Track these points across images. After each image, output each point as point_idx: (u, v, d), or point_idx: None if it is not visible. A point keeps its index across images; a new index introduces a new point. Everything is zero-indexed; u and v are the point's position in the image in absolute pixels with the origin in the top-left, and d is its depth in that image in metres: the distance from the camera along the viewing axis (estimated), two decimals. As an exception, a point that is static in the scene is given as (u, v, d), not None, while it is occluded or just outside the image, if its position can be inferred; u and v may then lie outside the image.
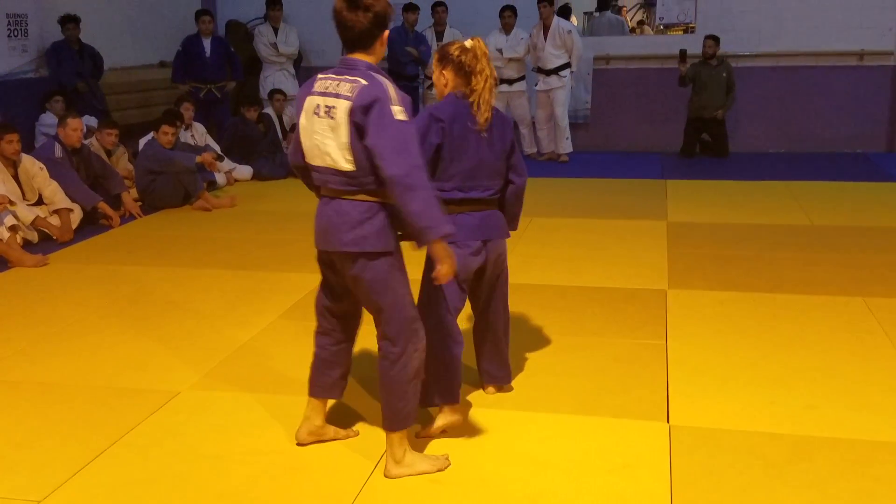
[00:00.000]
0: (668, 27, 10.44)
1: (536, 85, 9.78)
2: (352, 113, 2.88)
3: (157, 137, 7.58)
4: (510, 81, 9.77)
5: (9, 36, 8.39)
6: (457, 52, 3.40)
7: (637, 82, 10.53)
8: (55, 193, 6.61)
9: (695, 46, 9.89)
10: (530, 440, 3.37)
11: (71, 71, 8.73)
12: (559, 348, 4.30)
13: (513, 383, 3.87)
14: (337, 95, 2.93)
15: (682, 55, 9.74)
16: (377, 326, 3.17)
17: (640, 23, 10.42)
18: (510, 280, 3.82)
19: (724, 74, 9.79)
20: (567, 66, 9.65)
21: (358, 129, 2.89)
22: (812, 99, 10.14)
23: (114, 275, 5.70)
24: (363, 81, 2.90)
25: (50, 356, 4.32)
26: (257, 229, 6.88)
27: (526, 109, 10.00)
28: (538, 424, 3.50)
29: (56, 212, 6.61)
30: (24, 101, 8.42)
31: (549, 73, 9.66)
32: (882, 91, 9.99)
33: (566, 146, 9.87)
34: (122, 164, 7.95)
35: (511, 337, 4.44)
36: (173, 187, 7.53)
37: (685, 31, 10.35)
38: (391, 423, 3.12)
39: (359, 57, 2.99)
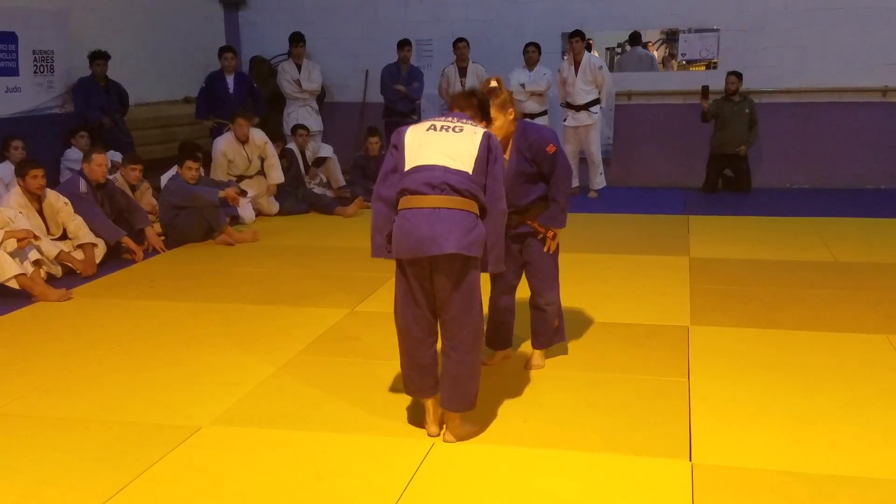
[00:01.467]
0: (690, 63, 10.47)
1: (565, 120, 9.80)
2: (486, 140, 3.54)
3: (181, 172, 7.66)
4: (532, 116, 9.80)
5: (35, 72, 8.53)
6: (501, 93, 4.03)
7: (659, 118, 10.55)
8: (79, 228, 6.68)
9: (717, 82, 9.90)
10: (553, 478, 3.34)
11: (97, 107, 8.86)
12: (582, 384, 4.27)
13: (535, 421, 3.85)
14: (462, 121, 3.61)
15: (705, 91, 9.75)
16: (451, 326, 3.60)
17: (665, 58, 10.46)
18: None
19: (747, 110, 9.79)
20: (597, 101, 9.68)
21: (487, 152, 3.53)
22: (835, 135, 10.10)
23: (137, 309, 5.74)
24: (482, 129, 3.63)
25: (72, 391, 4.34)
26: (279, 264, 6.91)
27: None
28: (561, 462, 3.47)
29: (80, 246, 6.68)
30: (50, 136, 8.56)
31: (578, 108, 9.69)
32: (906, 127, 9.94)
33: (600, 182, 9.89)
34: (146, 198, 8.03)
35: (532, 372, 4.44)
36: (196, 222, 7.59)
37: (707, 67, 10.37)
38: (463, 406, 3.65)
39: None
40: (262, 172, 8.87)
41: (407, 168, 3.54)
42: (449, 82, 10.12)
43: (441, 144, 3.53)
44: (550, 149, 4.13)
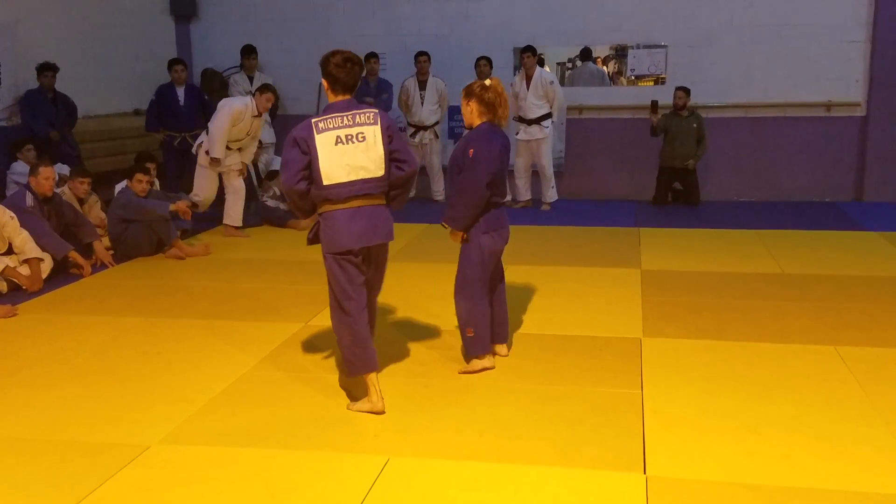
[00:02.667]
0: (639, 78, 10.61)
1: (518, 134, 9.86)
2: (384, 130, 4.12)
3: (131, 185, 7.54)
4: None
5: (-19, 85, 8.37)
6: (479, 89, 4.52)
7: (610, 132, 10.67)
8: (25, 242, 6.54)
9: (666, 97, 10.05)
10: (508, 493, 3.34)
11: (44, 119, 8.70)
12: (535, 398, 4.29)
13: (490, 435, 3.86)
14: (361, 124, 4.10)
15: (654, 106, 9.90)
16: (374, 291, 4.42)
17: (615, 74, 10.59)
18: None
19: (695, 125, 9.95)
20: (548, 116, 9.75)
21: (389, 141, 4.14)
22: (781, 149, 10.31)
23: (84, 325, 5.63)
24: (371, 110, 4.18)
25: (16, 410, 4.24)
26: (231, 278, 6.84)
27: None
28: (516, 476, 3.47)
29: (26, 261, 6.54)
30: (-2, 149, 8.38)
31: (530, 122, 9.75)
32: (850, 141, 10.18)
33: (551, 195, 9.95)
34: (95, 212, 7.90)
35: (486, 385, 4.45)
36: (146, 235, 7.48)
37: (656, 82, 10.52)
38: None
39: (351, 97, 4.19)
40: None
41: (325, 183, 4.06)
42: (409, 95, 10.13)
43: (353, 159, 4.07)
44: (470, 152, 4.48)
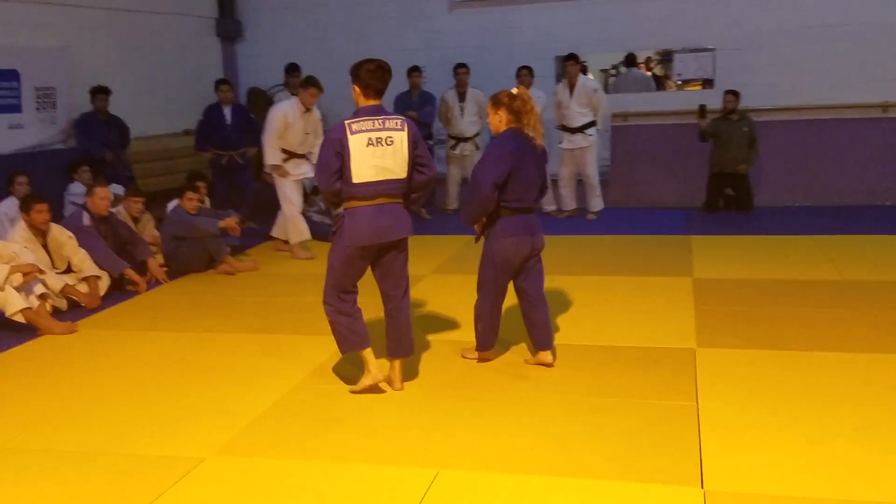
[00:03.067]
0: (686, 82, 10.49)
1: (561, 143, 9.81)
2: (410, 137, 4.43)
3: (182, 203, 7.66)
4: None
5: (37, 109, 8.58)
6: (507, 98, 4.69)
7: (657, 138, 10.55)
8: (83, 261, 6.67)
9: (714, 101, 9.91)
10: (561, 507, 3.30)
11: (98, 141, 8.89)
12: (588, 409, 4.23)
13: (542, 448, 3.82)
14: (390, 129, 4.39)
15: (702, 110, 9.76)
16: (396, 288, 4.62)
17: (661, 79, 10.51)
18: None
19: (746, 129, 9.78)
20: (592, 124, 9.68)
21: (414, 147, 4.45)
22: (836, 151, 10.09)
23: (140, 340, 5.71)
24: (401, 117, 4.52)
25: (76, 424, 4.31)
26: (280, 292, 6.89)
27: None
28: (569, 490, 3.43)
29: (84, 279, 6.67)
30: (54, 171, 8.57)
31: (573, 131, 9.69)
32: (908, 142, 9.94)
33: (597, 203, 9.86)
34: (148, 230, 8.03)
35: (537, 398, 4.40)
36: (197, 252, 7.58)
37: (703, 86, 10.38)
38: (411, 350, 4.69)
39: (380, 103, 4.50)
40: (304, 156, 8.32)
41: (355, 181, 4.36)
42: (448, 108, 10.14)
43: (381, 160, 4.37)
44: (478, 164, 4.78)
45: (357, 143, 4.31)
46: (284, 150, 8.14)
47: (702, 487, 3.41)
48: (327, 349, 5.28)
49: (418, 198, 4.67)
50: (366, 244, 4.41)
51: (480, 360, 5.00)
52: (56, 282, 6.43)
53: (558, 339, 5.35)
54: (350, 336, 4.55)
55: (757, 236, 8.42)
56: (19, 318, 5.84)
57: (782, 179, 10.25)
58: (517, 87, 4.77)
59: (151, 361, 5.27)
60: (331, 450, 3.89)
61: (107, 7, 9.61)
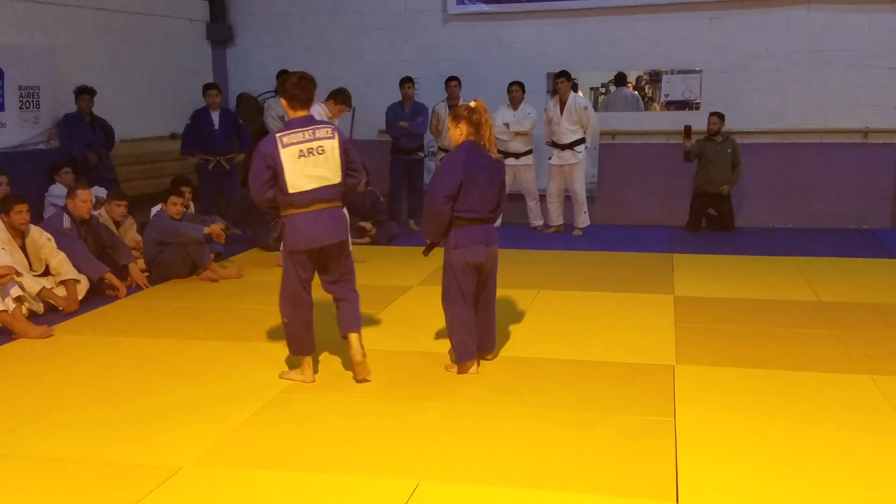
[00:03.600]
0: (673, 103, 10.57)
1: (550, 159, 9.86)
2: (341, 144, 4.73)
3: (166, 208, 7.63)
4: (517, 155, 9.85)
5: (20, 108, 8.52)
6: (466, 112, 4.86)
7: (643, 157, 10.63)
8: (62, 264, 6.63)
9: (700, 122, 10.00)
10: (538, 520, 3.31)
11: (82, 142, 8.84)
12: (568, 424, 4.25)
13: (521, 460, 3.83)
14: (321, 138, 4.67)
15: (687, 131, 9.85)
16: (340, 280, 4.94)
17: (648, 99, 10.59)
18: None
19: (729, 150, 9.88)
20: (582, 141, 9.73)
21: (345, 154, 4.76)
22: (817, 175, 10.20)
23: (119, 346, 5.68)
24: (330, 125, 4.80)
25: (51, 430, 4.27)
26: (263, 300, 6.86)
27: (533, 183, 10.08)
28: (546, 502, 3.44)
29: (62, 282, 6.62)
30: (35, 171, 8.51)
31: (563, 147, 9.73)
32: (887, 168, 10.04)
33: (583, 220, 9.90)
34: (131, 234, 7.99)
35: (517, 411, 4.42)
36: (180, 258, 7.55)
37: (690, 108, 10.47)
38: (359, 327, 4.95)
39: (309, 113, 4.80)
40: None
41: (290, 192, 4.62)
42: (440, 120, 10.15)
43: (314, 170, 4.65)
44: (432, 178, 5.06)
45: (289, 156, 4.58)
46: None
47: (677, 502, 3.43)
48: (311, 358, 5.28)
49: (350, 200, 5.23)
50: (304, 249, 4.73)
51: (460, 371, 5.03)
52: (33, 285, 6.37)
53: (539, 353, 5.39)
54: (301, 342, 4.92)
55: (737, 256, 8.49)
56: None
57: (764, 201, 10.35)
58: (474, 101, 4.94)
59: (129, 368, 5.24)
60: (311, 460, 3.89)
61: (95, 7, 9.57)
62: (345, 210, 4.96)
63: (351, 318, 4.94)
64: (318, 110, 7.85)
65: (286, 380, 4.92)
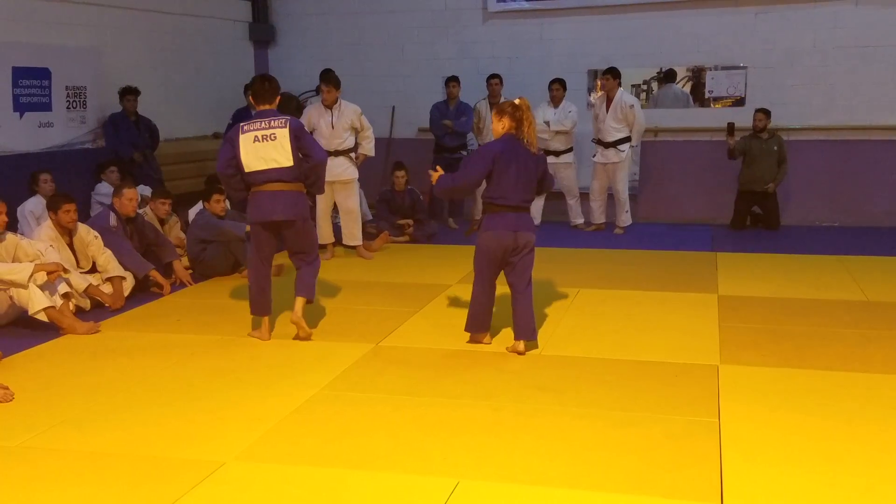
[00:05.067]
0: (717, 100, 10.45)
1: (594, 156, 9.79)
2: (291, 132, 5.45)
3: (209, 206, 7.71)
4: (557, 153, 9.80)
5: (68, 108, 8.67)
6: (510, 108, 5.24)
7: (686, 154, 10.51)
8: (108, 262, 6.73)
9: (745, 119, 9.85)
10: (579, 520, 3.28)
11: (127, 142, 8.97)
12: (610, 424, 4.21)
13: (562, 460, 3.80)
14: (274, 127, 5.45)
15: (730, 128, 9.72)
16: (300, 253, 5.75)
17: (692, 95, 10.48)
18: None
19: (776, 147, 9.72)
20: (627, 140, 9.64)
21: (296, 140, 5.47)
22: (865, 173, 10.00)
23: (164, 343, 5.75)
24: (285, 117, 5.55)
25: (97, 425, 4.34)
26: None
27: (573, 181, 10.02)
28: (587, 502, 3.41)
29: (109, 279, 6.72)
30: (82, 170, 8.67)
31: (607, 145, 9.66)
32: (937, 164, 9.82)
33: (625, 219, 9.82)
34: (175, 232, 8.09)
35: (558, 410, 4.39)
36: (223, 256, 7.62)
37: (734, 104, 10.33)
38: (313, 294, 5.80)
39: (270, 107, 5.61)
40: (348, 152, 8.38)
41: (245, 170, 5.48)
42: (481, 118, 10.12)
43: (266, 153, 5.43)
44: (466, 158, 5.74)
45: (245, 141, 5.44)
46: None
47: (722, 505, 3.38)
48: (351, 356, 5.31)
49: (312, 182, 5.68)
50: (258, 221, 5.55)
51: (471, 341, 5.47)
52: (80, 281, 6.48)
53: (580, 352, 5.35)
54: (256, 303, 5.75)
55: (783, 255, 8.36)
56: (42, 317, 5.87)
57: (810, 199, 10.18)
58: (519, 98, 5.31)
59: (174, 364, 5.30)
60: (351, 457, 3.90)
61: (140, 8, 9.70)
62: (303, 192, 5.66)
63: (300, 285, 5.71)
64: (317, 104, 8.28)
65: (252, 337, 5.75)
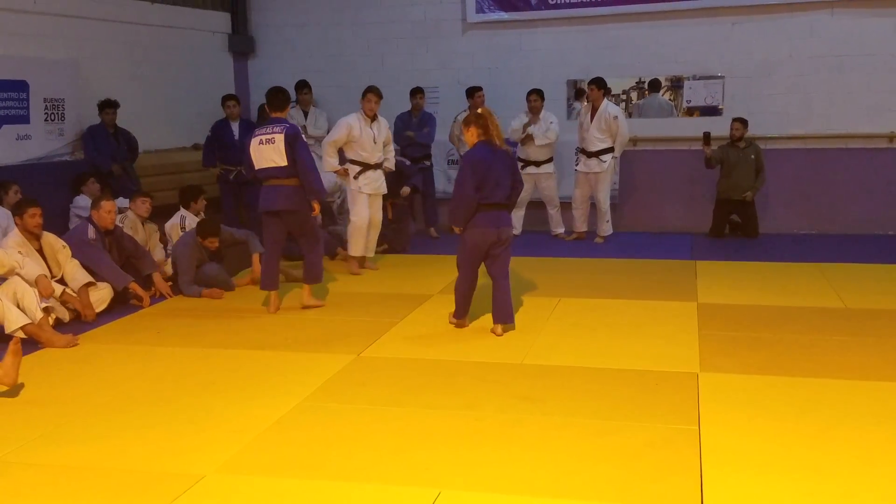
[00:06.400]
0: (695, 109, 10.51)
1: (577, 165, 9.81)
2: (286, 139, 6.54)
3: (206, 245, 7.47)
4: (538, 163, 9.83)
5: (46, 120, 8.62)
6: (474, 118, 6.04)
7: (665, 164, 10.57)
8: (76, 270, 6.64)
9: (723, 128, 9.93)
10: (561, 529, 3.28)
11: (106, 154, 8.93)
12: (591, 432, 4.22)
13: (544, 469, 3.80)
14: (274, 133, 6.59)
15: (706, 137, 9.79)
16: (301, 237, 6.86)
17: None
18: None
19: (753, 156, 9.80)
20: (610, 150, 9.66)
21: (289, 146, 6.54)
22: (842, 180, 10.09)
23: (143, 355, 5.71)
24: (286, 125, 6.68)
25: (76, 438, 4.30)
26: (285, 308, 6.89)
27: (553, 191, 10.05)
28: (569, 513, 3.41)
29: (83, 287, 6.65)
30: (60, 183, 8.60)
31: (590, 155, 9.69)
32: (913, 172, 9.93)
33: (606, 229, 9.84)
34: (153, 242, 8.03)
35: (540, 420, 4.39)
36: (205, 280, 7.53)
37: (712, 114, 10.39)
38: (317, 278, 6.95)
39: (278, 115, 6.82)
40: (375, 167, 8.25)
41: (255, 167, 6.68)
42: (462, 129, 10.04)
43: (267, 155, 6.59)
44: (458, 173, 6.17)
45: (254, 143, 6.63)
46: (357, 162, 8.17)
47: (703, 513, 3.39)
48: (333, 367, 5.30)
49: (304, 181, 6.57)
50: (263, 210, 6.69)
51: (457, 325, 6.17)
52: (55, 287, 6.43)
53: (561, 362, 5.37)
54: (264, 279, 6.83)
55: (761, 263, 8.41)
56: (20, 334, 5.76)
57: (788, 207, 10.26)
58: (481, 108, 6.45)
59: (153, 376, 5.27)
60: (333, 468, 3.88)
61: (118, 20, 9.66)
62: (299, 187, 6.59)
63: (308, 275, 6.90)
64: (359, 114, 8.20)
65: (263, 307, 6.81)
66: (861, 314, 6.40)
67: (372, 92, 8.12)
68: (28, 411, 4.69)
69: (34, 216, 6.46)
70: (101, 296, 6.80)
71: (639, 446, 4.05)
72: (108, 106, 8.91)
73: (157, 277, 7.38)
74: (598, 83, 9.55)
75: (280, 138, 6.51)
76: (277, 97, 6.79)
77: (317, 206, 6.70)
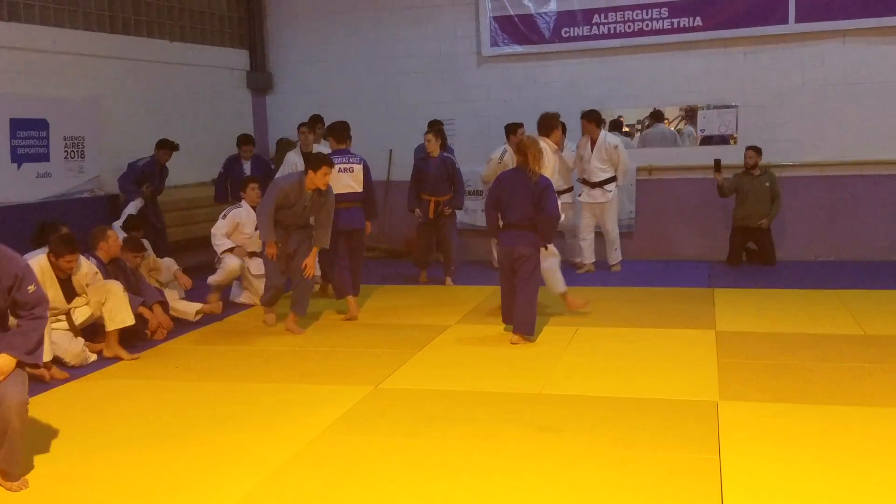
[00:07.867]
0: (709, 138, 10.53)
1: (580, 196, 9.83)
2: (364, 168, 7.71)
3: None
4: (558, 193, 9.82)
5: (66, 157, 8.74)
6: (515, 145, 6.85)
7: (681, 192, 10.58)
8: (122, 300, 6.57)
9: (737, 157, 9.94)
10: (581, 560, 3.26)
11: (142, 185, 9.07)
12: (611, 462, 4.20)
13: (564, 500, 3.79)
14: (352, 163, 7.67)
15: (717, 165, 9.81)
16: (355, 252, 7.80)
17: (685, 135, 10.58)
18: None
19: (768, 184, 9.80)
20: (613, 179, 9.69)
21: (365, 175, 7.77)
22: (859, 207, 10.06)
23: (159, 390, 5.72)
24: (359, 157, 7.80)
25: (94, 475, 4.31)
26: (301, 341, 6.91)
27: (572, 220, 10.04)
28: (589, 543, 3.39)
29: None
30: (83, 219, 8.63)
31: (593, 185, 9.71)
32: (930, 198, 9.89)
33: (616, 256, 9.84)
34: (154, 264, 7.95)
35: (560, 449, 4.38)
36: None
37: (726, 142, 10.41)
38: (356, 290, 7.78)
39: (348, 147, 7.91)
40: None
41: (336, 192, 7.21)
42: (505, 165, 9.78)
43: (347, 180, 7.55)
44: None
45: (335, 172, 7.13)
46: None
47: (724, 542, 3.37)
48: (349, 399, 5.30)
49: (369, 206, 7.87)
50: (337, 230, 7.39)
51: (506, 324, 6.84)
52: (84, 311, 6.50)
53: (579, 391, 5.36)
54: (345, 288, 7.71)
55: (779, 290, 8.38)
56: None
57: (805, 234, 10.23)
58: (525, 137, 6.89)
59: (170, 410, 5.28)
60: (353, 501, 3.87)
61: (137, 58, 9.82)
62: (362, 209, 7.72)
63: (352, 283, 7.71)
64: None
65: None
66: (881, 341, 6.36)
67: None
68: (44, 446, 4.69)
69: (70, 262, 6.28)
70: (82, 352, 6.46)
71: (660, 476, 4.02)
72: (164, 146, 9.15)
73: (157, 309, 7.17)
74: (588, 116, 9.55)
75: (359, 168, 7.67)
76: (342, 132, 7.76)
77: (369, 226, 7.81)
